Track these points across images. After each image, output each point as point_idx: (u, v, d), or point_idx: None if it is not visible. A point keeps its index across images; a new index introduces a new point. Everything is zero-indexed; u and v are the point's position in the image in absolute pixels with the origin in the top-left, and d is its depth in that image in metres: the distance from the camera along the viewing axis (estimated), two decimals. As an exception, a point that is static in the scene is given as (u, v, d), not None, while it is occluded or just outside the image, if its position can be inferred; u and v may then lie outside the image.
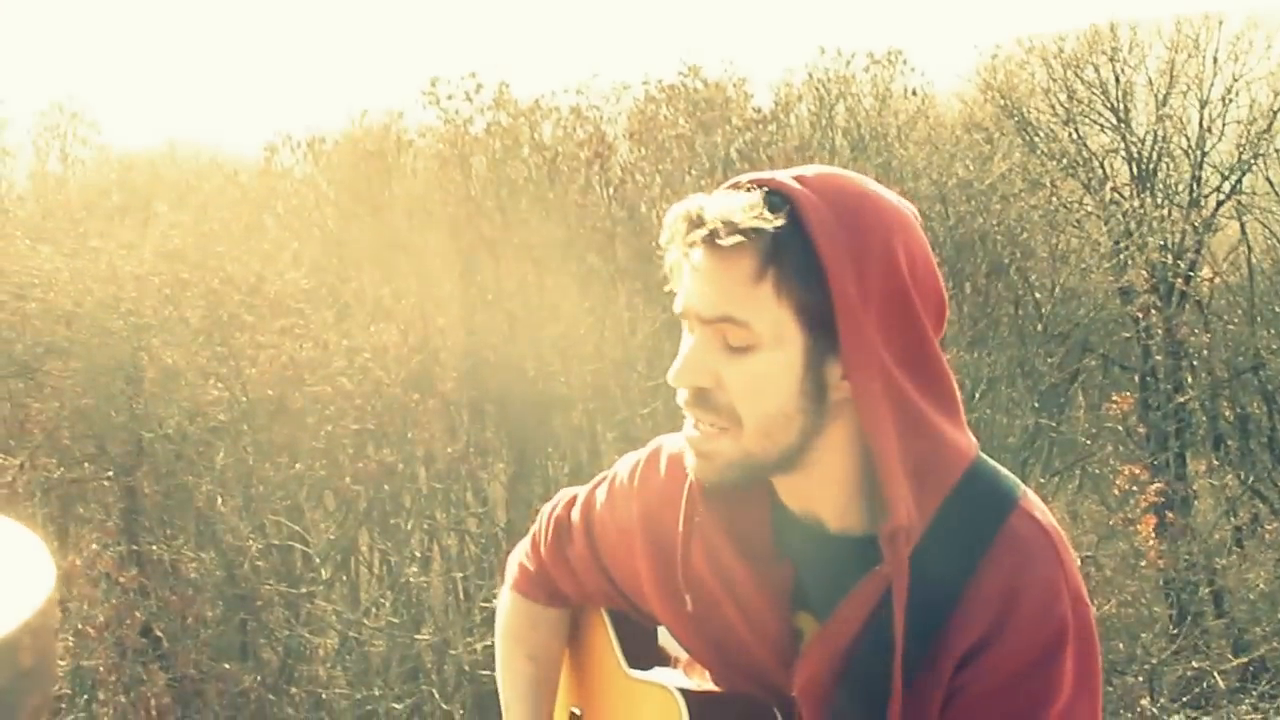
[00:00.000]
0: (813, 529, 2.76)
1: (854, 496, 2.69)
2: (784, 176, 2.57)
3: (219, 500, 19.95)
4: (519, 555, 3.44)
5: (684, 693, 2.99)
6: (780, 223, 2.53)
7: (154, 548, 19.88)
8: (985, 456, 2.72)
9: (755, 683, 2.92)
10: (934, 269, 2.65)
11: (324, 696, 18.39)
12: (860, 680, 2.70)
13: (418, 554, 18.98)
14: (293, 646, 18.73)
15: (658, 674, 3.22)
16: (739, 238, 2.53)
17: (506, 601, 3.48)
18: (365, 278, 21.68)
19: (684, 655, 3.26)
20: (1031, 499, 2.68)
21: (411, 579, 18.55)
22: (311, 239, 22.37)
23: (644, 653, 3.29)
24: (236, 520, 19.38)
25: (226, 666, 18.72)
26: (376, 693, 18.00)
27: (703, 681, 3.14)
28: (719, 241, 2.54)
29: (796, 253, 2.54)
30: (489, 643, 16.05)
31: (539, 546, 3.36)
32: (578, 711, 3.44)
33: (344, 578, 20.38)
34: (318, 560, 18.83)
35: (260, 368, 19.79)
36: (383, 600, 19.01)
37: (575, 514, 3.26)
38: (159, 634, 19.10)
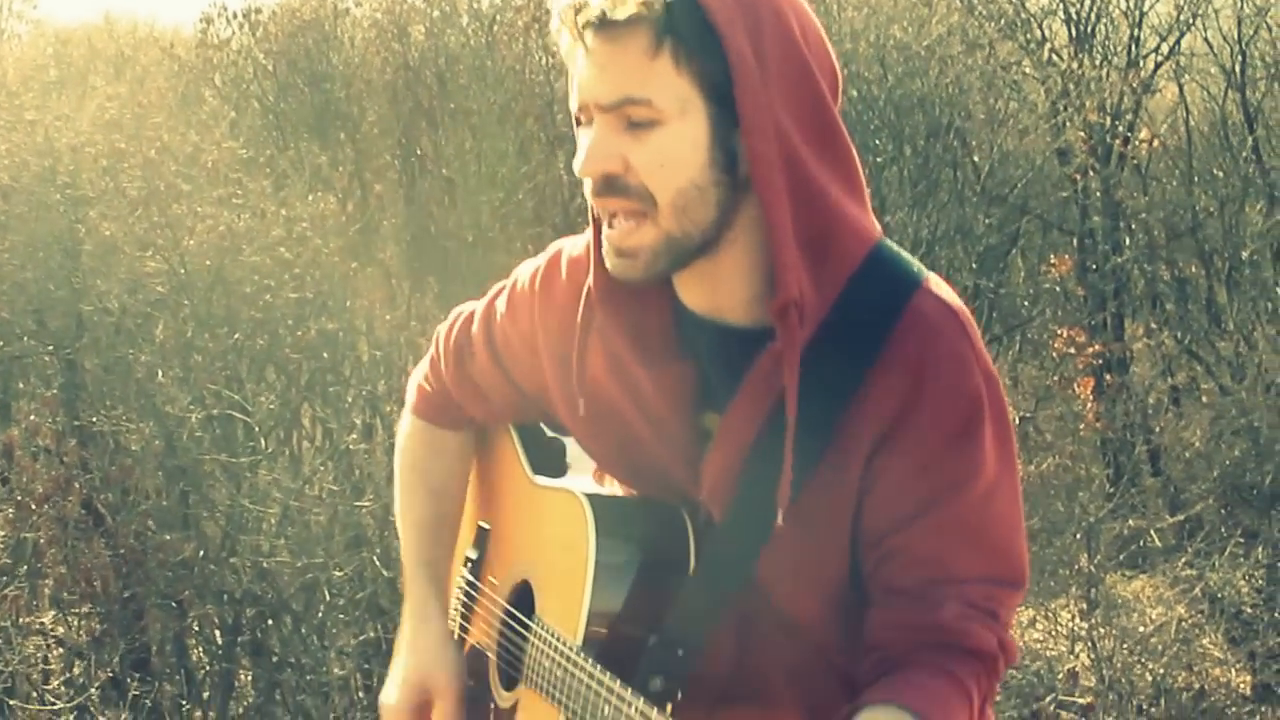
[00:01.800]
0: (716, 325, 2.73)
1: (760, 289, 2.66)
2: None
3: (159, 373, 19.87)
4: (418, 378, 3.40)
5: (589, 497, 2.95)
6: None
7: (94, 420, 19.79)
8: (889, 241, 2.70)
9: (661, 485, 2.89)
10: (825, 41, 2.66)
11: (266, 566, 18.41)
12: (763, 469, 2.66)
13: (359, 422, 18.95)
14: (234, 517, 18.70)
15: (565, 481, 3.21)
16: (631, 12, 2.50)
17: (407, 426, 3.43)
18: (303, 147, 21.52)
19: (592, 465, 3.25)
20: (935, 280, 2.68)
21: (352, 447, 18.53)
22: (249, 109, 22.18)
23: (552, 467, 3.28)
24: (176, 391, 19.29)
25: (168, 538, 18.69)
26: (319, 561, 18.04)
27: (611, 488, 3.13)
28: (611, 18, 2.51)
29: (691, 22, 2.51)
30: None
31: (439, 368, 3.32)
32: (485, 525, 3.40)
33: (285, 450, 20.36)
34: (258, 430, 18.78)
35: (198, 238, 19.66)
36: (324, 469, 18.99)
37: (475, 328, 3.22)
38: (100, 506, 19.07)
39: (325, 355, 19.68)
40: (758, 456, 2.67)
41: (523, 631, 3.06)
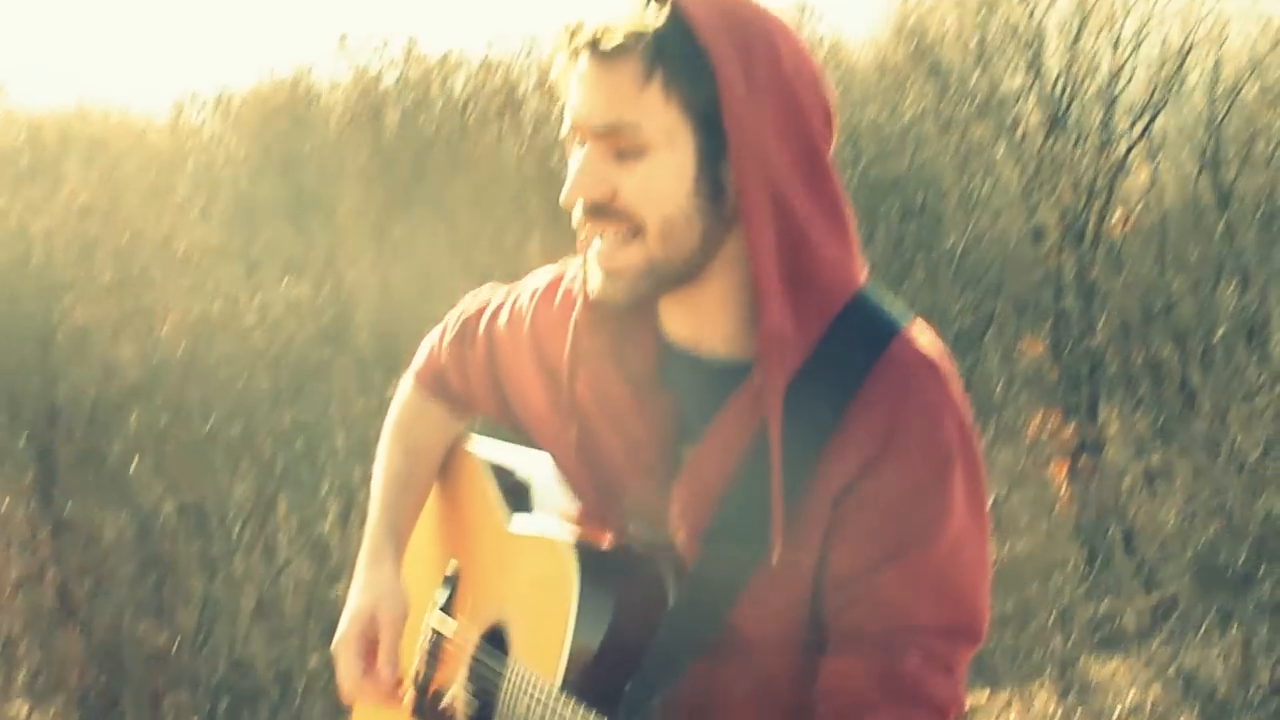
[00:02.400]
0: (697, 358, 2.73)
1: (742, 323, 2.66)
2: None
3: (133, 461, 19.84)
4: (428, 342, 3.39)
5: (573, 542, 2.93)
6: (663, 21, 2.51)
7: (67, 510, 19.74)
8: (874, 287, 2.67)
9: (637, 515, 2.88)
10: (820, 78, 2.63)
11: (241, 654, 18.34)
12: (737, 507, 2.66)
13: (333, 510, 18.92)
14: (209, 606, 18.64)
15: (542, 524, 3.15)
16: (623, 40, 2.51)
17: (405, 387, 3.42)
18: (276, 233, 21.54)
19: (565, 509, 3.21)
20: (918, 328, 2.64)
21: (326, 534, 18.51)
22: (222, 195, 22.22)
23: (523, 506, 3.23)
24: (150, 479, 19.26)
25: (142, 627, 18.62)
26: (295, 648, 17.98)
27: (586, 533, 3.07)
28: (603, 46, 2.53)
29: (682, 51, 2.52)
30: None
31: (443, 343, 3.31)
32: (454, 565, 3.36)
33: (260, 538, 20.30)
34: (232, 518, 18.75)
35: (171, 325, 19.65)
36: (299, 557, 18.95)
37: (482, 323, 3.20)
38: (73, 596, 18.99)
39: (300, 443, 19.65)
40: (733, 494, 2.67)
41: (497, 672, 3.02)
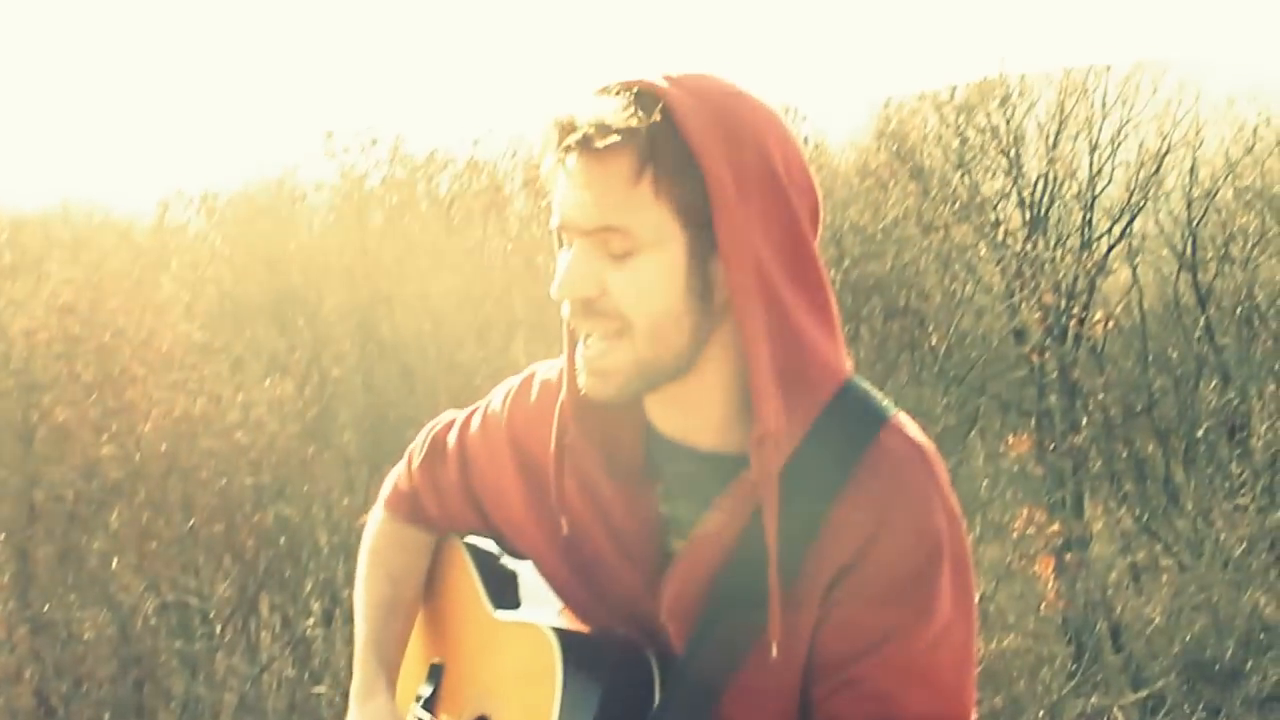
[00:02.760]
0: (686, 451, 2.72)
1: (731, 415, 2.66)
2: (653, 76, 2.55)
3: (113, 560, 19.72)
4: (395, 473, 3.40)
5: (556, 630, 2.91)
6: (654, 120, 2.51)
7: (46, 609, 19.59)
8: (859, 378, 2.69)
9: (625, 610, 2.87)
10: (807, 169, 2.63)
11: (223, 755, 18.19)
12: (729, 599, 2.68)
13: (317, 608, 18.81)
14: (191, 705, 18.48)
15: (526, 614, 3.13)
16: (614, 138, 2.50)
17: (375, 518, 3.40)
18: (260, 331, 21.54)
19: (549, 601, 3.21)
20: (904, 418, 2.65)
21: (310, 633, 18.40)
22: (205, 293, 22.23)
23: (508, 599, 3.21)
24: (131, 577, 19.14)
25: (122, 727, 18.46)
26: (276, 749, 17.85)
27: (571, 622, 3.06)
28: (594, 145, 2.52)
29: (672, 150, 2.52)
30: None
31: (412, 464, 3.28)
32: (439, 661, 3.36)
33: (244, 637, 20.16)
34: (214, 617, 18.63)
35: (153, 422, 19.59)
36: (282, 656, 18.82)
37: (451, 437, 3.18)
38: (52, 696, 18.81)
39: (283, 541, 19.57)
40: (723, 584, 2.67)
41: None
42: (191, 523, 19.34)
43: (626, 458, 2.79)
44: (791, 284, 2.58)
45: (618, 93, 2.54)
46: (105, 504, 20.16)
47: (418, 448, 3.27)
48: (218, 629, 18.48)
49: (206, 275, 22.44)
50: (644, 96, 2.52)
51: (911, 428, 2.64)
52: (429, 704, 3.30)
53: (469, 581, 3.27)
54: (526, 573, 3.20)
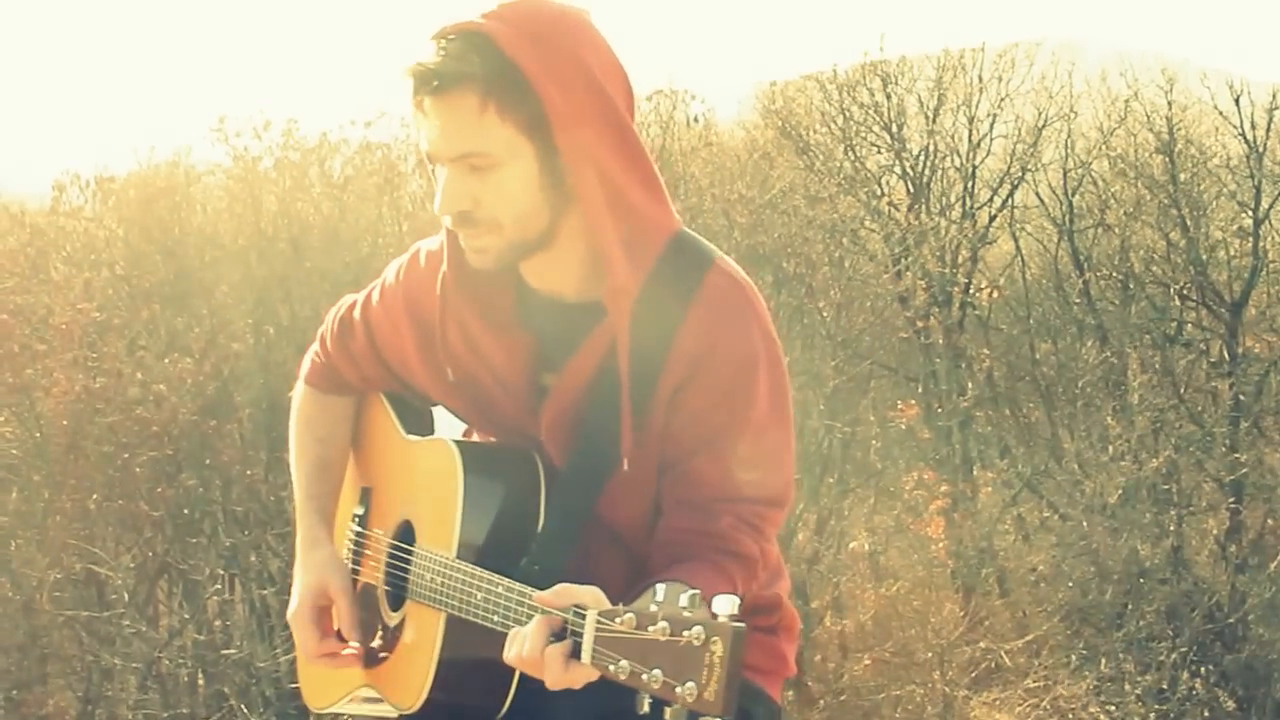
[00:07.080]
0: (553, 301, 3.39)
1: (588, 271, 3.33)
2: (476, 16, 3.14)
3: (13, 539, 19.77)
4: (310, 353, 3.97)
5: (457, 442, 3.52)
6: (485, 58, 3.10)
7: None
8: (686, 229, 3.37)
9: (513, 434, 3.51)
10: (616, 59, 3.28)
11: (130, 721, 18.28)
12: (596, 419, 3.31)
13: (223, 573, 18.93)
14: (95, 676, 18.59)
15: (435, 435, 3.76)
16: (457, 81, 3.11)
17: (299, 393, 3.99)
18: (157, 312, 21.61)
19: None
20: (725, 259, 3.37)
21: (213, 601, 18.56)
22: (102, 275, 22.22)
23: (420, 428, 3.81)
24: (34, 552, 19.23)
25: (28, 697, 18.52)
26: (185, 713, 18.01)
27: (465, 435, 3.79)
28: (441, 90, 3.13)
29: (508, 80, 3.12)
30: (292, 655, 16.12)
31: (325, 343, 3.89)
32: (367, 486, 3.89)
33: (151, 607, 20.22)
34: (119, 585, 18.69)
35: (54, 399, 19.68)
36: (187, 624, 18.97)
37: (356, 313, 3.80)
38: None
39: (185, 512, 19.69)
40: (592, 408, 3.31)
41: (407, 558, 3.56)
42: (95, 497, 19.44)
43: (501, 311, 3.44)
44: (621, 164, 3.21)
45: (452, 36, 3.13)
46: (4, 482, 20.20)
47: (328, 328, 3.87)
48: (125, 599, 18.55)
49: (103, 258, 22.45)
50: (473, 36, 3.12)
51: (731, 265, 3.38)
52: (363, 521, 3.88)
53: (387, 419, 3.86)
54: (439, 411, 3.84)
